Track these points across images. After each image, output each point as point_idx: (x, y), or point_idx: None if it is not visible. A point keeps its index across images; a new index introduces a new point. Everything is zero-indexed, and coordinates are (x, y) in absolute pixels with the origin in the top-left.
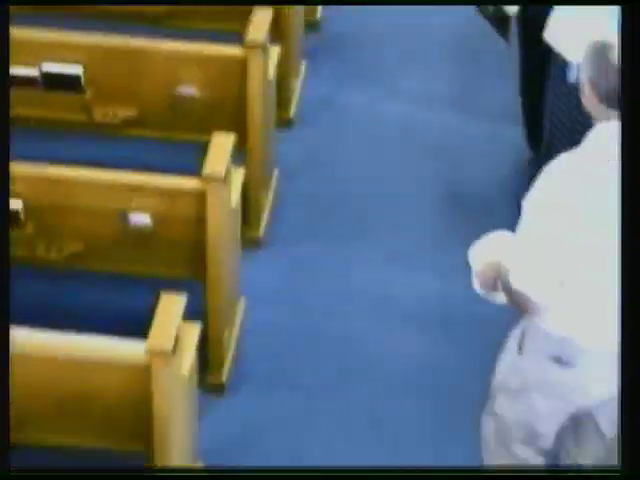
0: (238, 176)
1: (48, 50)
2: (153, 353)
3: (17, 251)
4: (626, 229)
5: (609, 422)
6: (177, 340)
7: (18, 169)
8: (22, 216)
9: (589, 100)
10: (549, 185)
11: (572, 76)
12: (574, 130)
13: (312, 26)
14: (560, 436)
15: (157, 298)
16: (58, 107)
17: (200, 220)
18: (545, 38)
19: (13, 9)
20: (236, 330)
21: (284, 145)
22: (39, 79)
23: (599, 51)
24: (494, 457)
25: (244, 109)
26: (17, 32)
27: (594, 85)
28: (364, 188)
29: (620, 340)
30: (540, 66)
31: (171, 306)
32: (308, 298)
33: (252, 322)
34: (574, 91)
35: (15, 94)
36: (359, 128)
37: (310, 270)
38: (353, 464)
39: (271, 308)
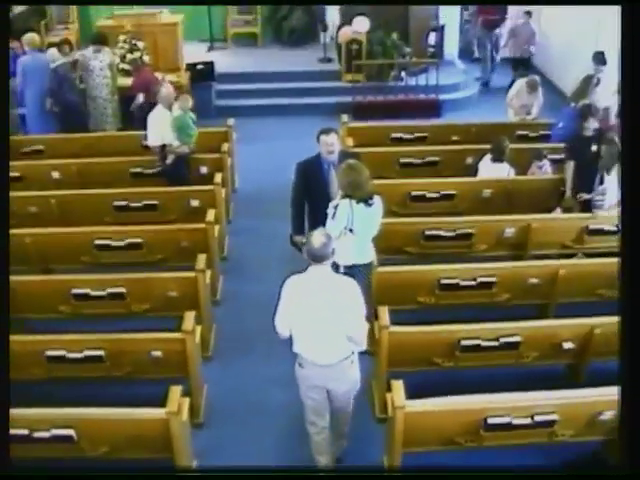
0: (198, 329)
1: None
2: (169, 413)
3: (103, 374)
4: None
5: (337, 397)
6: (179, 406)
7: (100, 336)
8: (104, 358)
9: None
10: (286, 287)
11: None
12: None
13: (223, 259)
14: (319, 402)
15: (168, 388)
16: (116, 306)
17: (183, 352)
18: None
19: None
20: (204, 399)
21: (217, 314)
22: (106, 296)
23: None
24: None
25: (197, 301)
26: None
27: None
28: (261, 330)
29: (620, 348)
30: None
31: (175, 391)
32: (235, 381)
33: (211, 395)
34: None
35: None
36: (254, 301)
37: (234, 368)
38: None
39: (218, 388)
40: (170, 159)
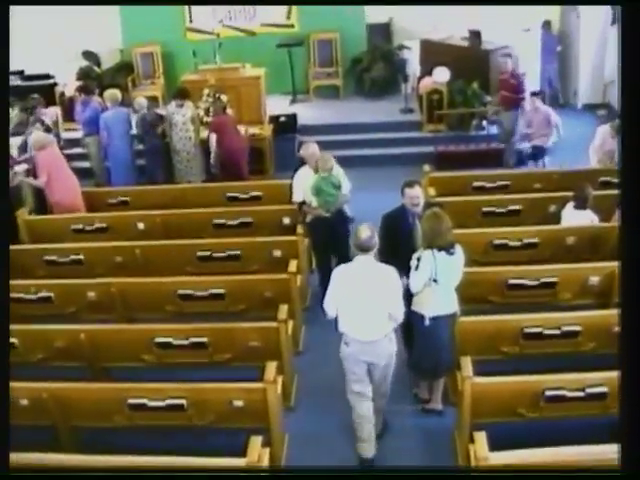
0: (279, 379)
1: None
2: (250, 463)
3: (184, 422)
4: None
5: (377, 370)
6: (259, 456)
7: (182, 385)
8: (186, 406)
9: None
10: (336, 274)
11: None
12: None
13: (305, 309)
14: (362, 375)
15: (248, 438)
16: (198, 356)
17: (264, 402)
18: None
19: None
20: (285, 449)
21: (299, 364)
22: (188, 345)
23: None
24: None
25: (279, 351)
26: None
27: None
28: (344, 381)
29: (620, 350)
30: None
31: (255, 441)
32: (316, 432)
33: (292, 445)
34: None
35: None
36: (336, 352)
37: (316, 419)
38: None
39: (299, 438)
40: (308, 218)
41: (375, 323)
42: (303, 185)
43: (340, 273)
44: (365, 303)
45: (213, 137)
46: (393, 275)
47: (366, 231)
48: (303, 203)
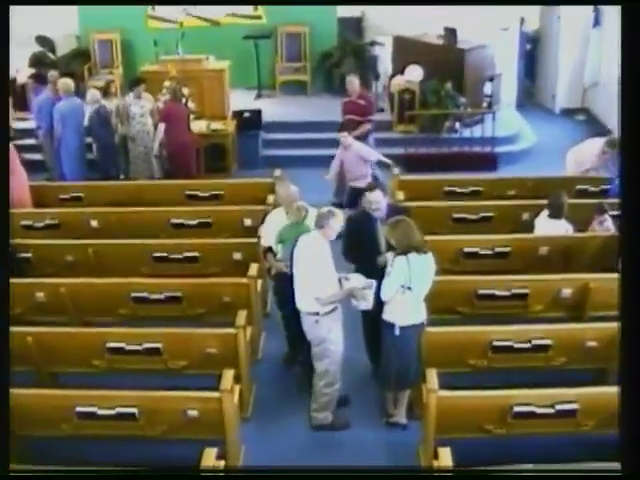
0: (237, 388)
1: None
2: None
3: (135, 432)
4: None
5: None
6: (213, 469)
7: (134, 392)
8: (137, 415)
9: None
10: (298, 247)
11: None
12: None
13: (265, 316)
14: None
15: (202, 450)
16: (152, 362)
17: (220, 412)
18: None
19: None
20: (241, 458)
21: (258, 373)
22: (141, 351)
23: None
24: None
25: (237, 359)
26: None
27: None
28: (303, 391)
29: (620, 350)
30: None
31: (210, 453)
32: (274, 444)
33: (248, 458)
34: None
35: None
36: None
37: (274, 430)
38: None
39: (256, 450)
40: (273, 270)
41: (300, 294)
42: (272, 229)
43: (300, 239)
44: (297, 272)
45: (162, 126)
46: (327, 259)
47: (324, 209)
48: (270, 250)
